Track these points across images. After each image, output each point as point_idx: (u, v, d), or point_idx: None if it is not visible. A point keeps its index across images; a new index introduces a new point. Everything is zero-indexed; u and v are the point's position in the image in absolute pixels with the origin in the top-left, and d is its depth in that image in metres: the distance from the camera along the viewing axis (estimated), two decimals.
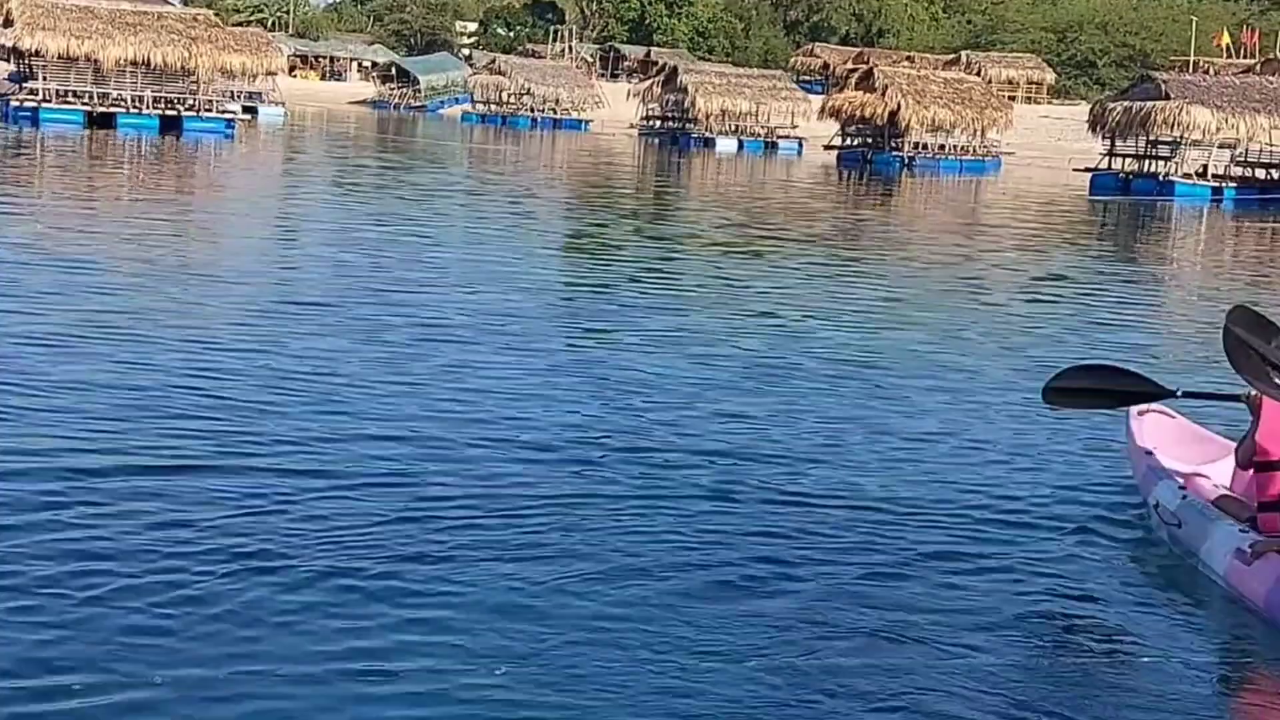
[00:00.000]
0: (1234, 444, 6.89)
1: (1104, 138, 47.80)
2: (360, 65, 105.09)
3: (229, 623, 4.91)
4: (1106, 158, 47.68)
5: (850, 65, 75.03)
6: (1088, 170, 47.40)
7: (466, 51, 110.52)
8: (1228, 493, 6.82)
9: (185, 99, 42.39)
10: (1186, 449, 7.43)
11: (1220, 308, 13.15)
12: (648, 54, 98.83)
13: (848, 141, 56.89)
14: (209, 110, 42.66)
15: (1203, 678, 5.29)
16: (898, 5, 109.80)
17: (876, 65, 61.29)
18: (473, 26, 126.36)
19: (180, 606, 4.99)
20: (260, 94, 56.85)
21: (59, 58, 41.33)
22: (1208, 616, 6.00)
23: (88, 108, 41.34)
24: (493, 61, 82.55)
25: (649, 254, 18.40)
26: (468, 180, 32.62)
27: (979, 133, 56.04)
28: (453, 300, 12.94)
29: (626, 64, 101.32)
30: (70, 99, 41.52)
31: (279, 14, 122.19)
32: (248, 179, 29.69)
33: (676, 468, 7.37)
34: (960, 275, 18.25)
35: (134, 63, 41.49)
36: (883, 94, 54.06)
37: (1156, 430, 7.63)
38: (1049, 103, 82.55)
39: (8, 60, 47.80)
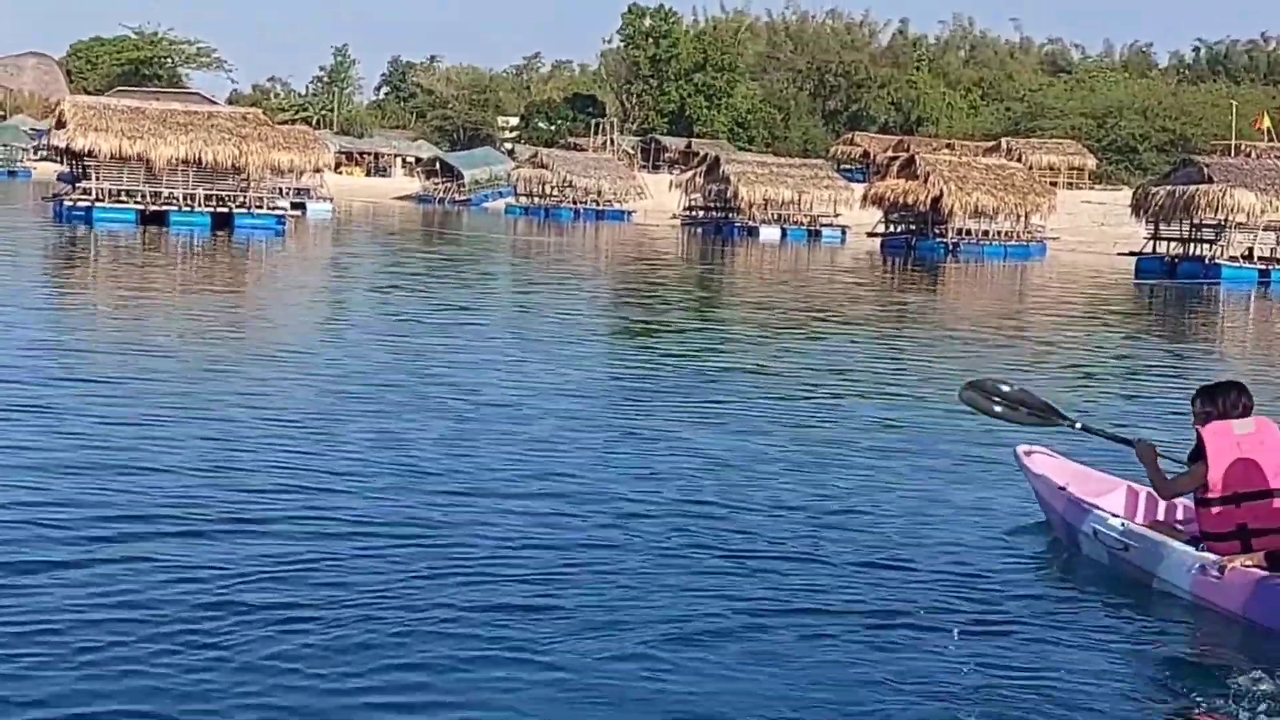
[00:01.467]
0: (1109, 477, 8.54)
1: (1147, 222, 47.76)
2: (404, 161, 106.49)
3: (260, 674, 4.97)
4: (1151, 242, 47.60)
5: (891, 153, 75.46)
6: (1132, 254, 47.32)
7: (509, 146, 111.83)
8: (1157, 521, 7.82)
9: (236, 196, 43.00)
10: (1082, 484, 8.37)
11: (1269, 386, 12.90)
12: (688, 145, 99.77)
13: (891, 229, 57.06)
14: (259, 207, 43.23)
15: (1163, 681, 6.08)
16: (935, 94, 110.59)
17: (918, 153, 61.57)
18: (514, 121, 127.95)
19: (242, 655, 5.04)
20: (308, 190, 57.65)
21: (111, 157, 42.01)
22: (1167, 624, 6.82)
23: (140, 206, 41.94)
24: (535, 155, 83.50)
25: (698, 340, 18.48)
26: (514, 271, 32.90)
27: (1022, 218, 56.12)
28: (504, 383, 13.08)
29: (667, 155, 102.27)
30: (123, 198, 42.15)
31: (323, 112, 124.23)
32: (305, 273, 30.06)
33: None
34: (1008, 356, 18.22)
35: (185, 161, 42.12)
36: (925, 181, 54.28)
37: (1053, 466, 8.60)
38: (1090, 188, 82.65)
39: (59, 161, 48.76)
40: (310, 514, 7.79)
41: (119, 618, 5.78)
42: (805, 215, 64.23)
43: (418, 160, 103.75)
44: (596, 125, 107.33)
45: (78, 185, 43.14)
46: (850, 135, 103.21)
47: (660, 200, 74.83)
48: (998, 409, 8.68)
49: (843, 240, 61.07)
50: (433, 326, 18.54)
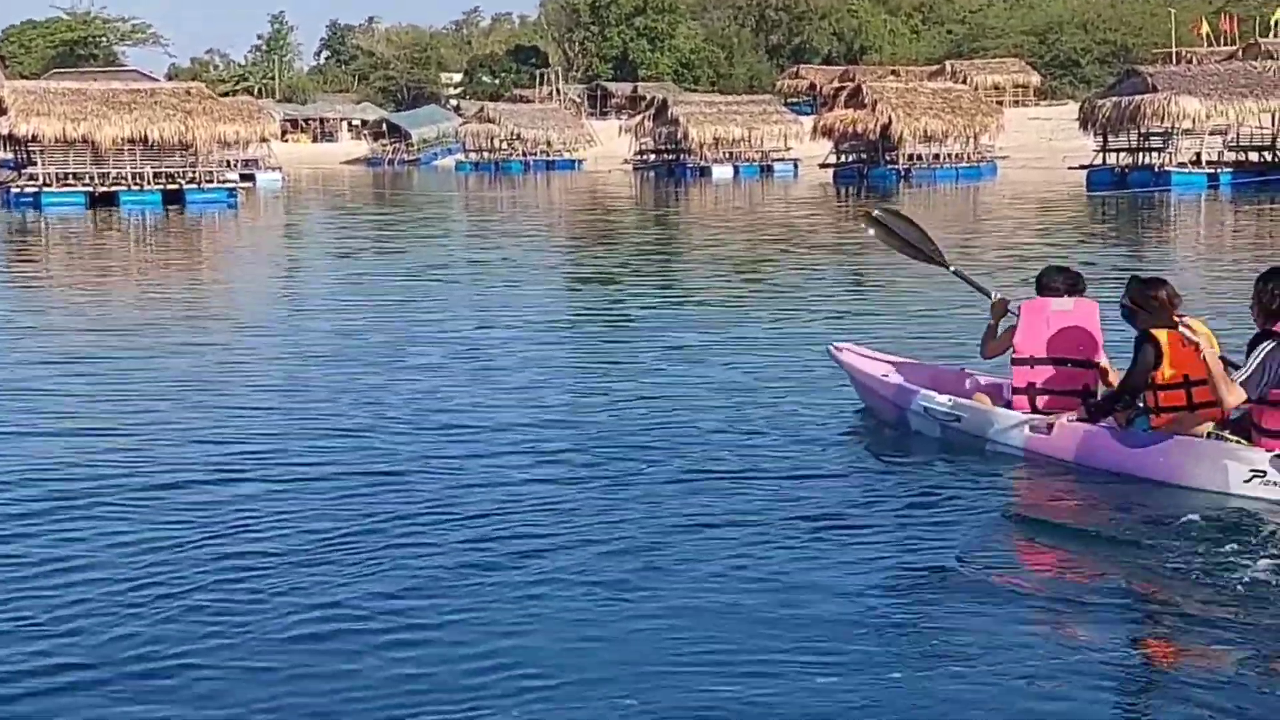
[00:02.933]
0: (921, 363, 9.67)
1: (1096, 134, 48.09)
2: (350, 124, 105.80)
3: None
4: (1100, 154, 47.96)
5: (837, 84, 75.52)
6: (1083, 168, 47.66)
7: (454, 103, 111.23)
8: (979, 392, 8.84)
9: (185, 172, 42.73)
10: (901, 370, 9.40)
11: (1233, 284, 13.26)
12: (634, 89, 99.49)
13: (842, 159, 57.27)
14: (209, 181, 43.00)
15: (1004, 527, 7.01)
16: (877, 21, 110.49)
17: (863, 82, 61.79)
18: (458, 77, 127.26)
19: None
20: (256, 161, 57.35)
21: (55, 141, 41.68)
22: (1003, 478, 7.83)
23: (89, 188, 41.63)
24: (481, 110, 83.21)
25: (654, 278, 18.62)
26: (470, 227, 32.89)
27: (971, 139, 56.45)
28: (466, 333, 13.22)
29: (614, 101, 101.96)
30: (71, 181, 41.83)
31: (264, 81, 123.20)
32: (263, 243, 30.00)
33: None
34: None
35: (131, 140, 41.82)
36: (873, 109, 54.48)
37: (869, 358, 9.66)
38: (1036, 104, 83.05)
39: (2, 149, 48.24)
40: (286, 465, 8.02)
41: (91, 578, 5.94)
42: (756, 152, 64.35)
43: (364, 123, 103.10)
44: (541, 76, 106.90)
45: (23, 171, 42.77)
46: (795, 69, 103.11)
47: (610, 147, 74.76)
48: (895, 240, 9.77)
49: (795, 174, 61.24)
50: (395, 284, 18.62)
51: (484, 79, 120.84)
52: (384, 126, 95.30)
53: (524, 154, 76.29)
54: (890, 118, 53.94)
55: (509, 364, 11.76)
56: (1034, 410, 8.22)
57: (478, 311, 15.55)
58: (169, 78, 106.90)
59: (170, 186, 42.07)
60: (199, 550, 6.41)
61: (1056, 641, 5.38)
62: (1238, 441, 7.35)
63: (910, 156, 54.62)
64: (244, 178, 50.51)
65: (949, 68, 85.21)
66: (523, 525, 6.74)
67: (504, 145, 77.44)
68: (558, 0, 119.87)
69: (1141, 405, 7.82)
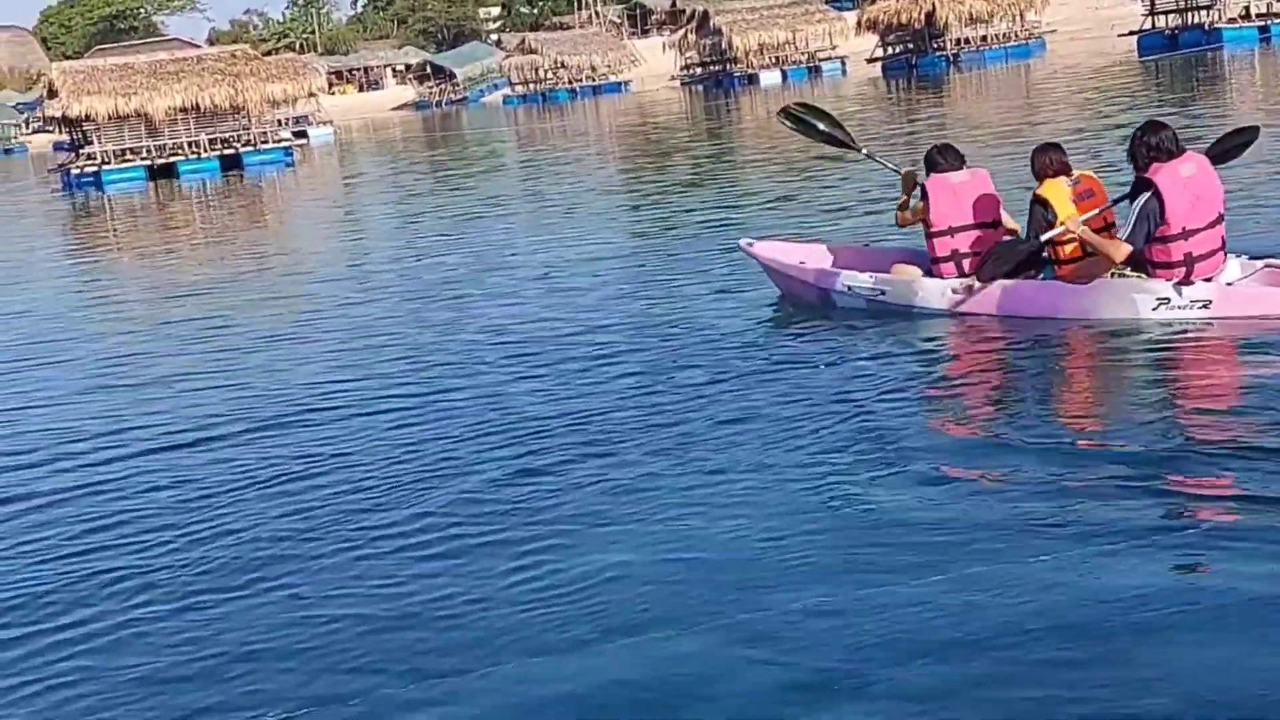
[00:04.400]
0: (831, 246, 10.59)
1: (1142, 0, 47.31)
2: (394, 70, 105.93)
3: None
4: (1149, 18, 47.15)
5: None
6: (1132, 34, 46.91)
7: (495, 37, 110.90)
8: (898, 265, 9.65)
9: (240, 135, 43.14)
10: (815, 255, 10.33)
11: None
12: (673, 4, 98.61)
13: (889, 51, 56.68)
14: (265, 142, 43.39)
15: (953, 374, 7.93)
16: None
17: None
18: (496, 11, 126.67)
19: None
20: (306, 117, 57.66)
21: (109, 118, 42.16)
22: (934, 340, 8.66)
23: (147, 162, 42.17)
24: (522, 42, 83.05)
25: (711, 193, 18.76)
26: (522, 159, 33.07)
27: (1018, 17, 55.61)
28: (529, 263, 13.43)
29: (655, 18, 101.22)
30: (129, 157, 42.37)
31: (305, 35, 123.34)
32: (325, 196, 30.37)
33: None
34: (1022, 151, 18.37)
35: (184, 110, 42.27)
36: None
37: (782, 247, 10.57)
38: None
39: (55, 130, 48.89)
40: (367, 402, 8.31)
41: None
42: (803, 54, 63.81)
43: (407, 67, 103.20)
44: (578, 1, 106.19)
45: (81, 152, 43.31)
46: None
47: (655, 65, 74.40)
48: (805, 130, 10.58)
49: (844, 71, 60.75)
50: (454, 221, 18.93)
51: (522, 10, 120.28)
52: (428, 69, 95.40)
53: (569, 81, 76.13)
54: (934, 4, 53.29)
55: (579, 284, 12.06)
56: (960, 274, 9.11)
57: (535, 241, 15.79)
58: (210, 43, 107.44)
59: (227, 151, 42.48)
60: (317, 475, 6.86)
61: (1009, 492, 5.67)
62: (1138, 276, 8.31)
63: (957, 41, 53.96)
64: (297, 135, 50.77)
65: None
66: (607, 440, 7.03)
67: (549, 75, 77.31)
68: None
69: (1045, 259, 8.77)
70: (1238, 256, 8.50)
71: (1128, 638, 4.28)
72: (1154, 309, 8.22)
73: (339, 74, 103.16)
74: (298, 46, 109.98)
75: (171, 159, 42.22)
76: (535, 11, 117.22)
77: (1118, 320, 8.28)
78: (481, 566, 5.43)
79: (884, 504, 5.65)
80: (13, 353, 12.17)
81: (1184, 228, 8.07)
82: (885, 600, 4.71)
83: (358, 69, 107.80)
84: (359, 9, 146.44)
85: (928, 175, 9.32)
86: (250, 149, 42.71)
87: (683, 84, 68.39)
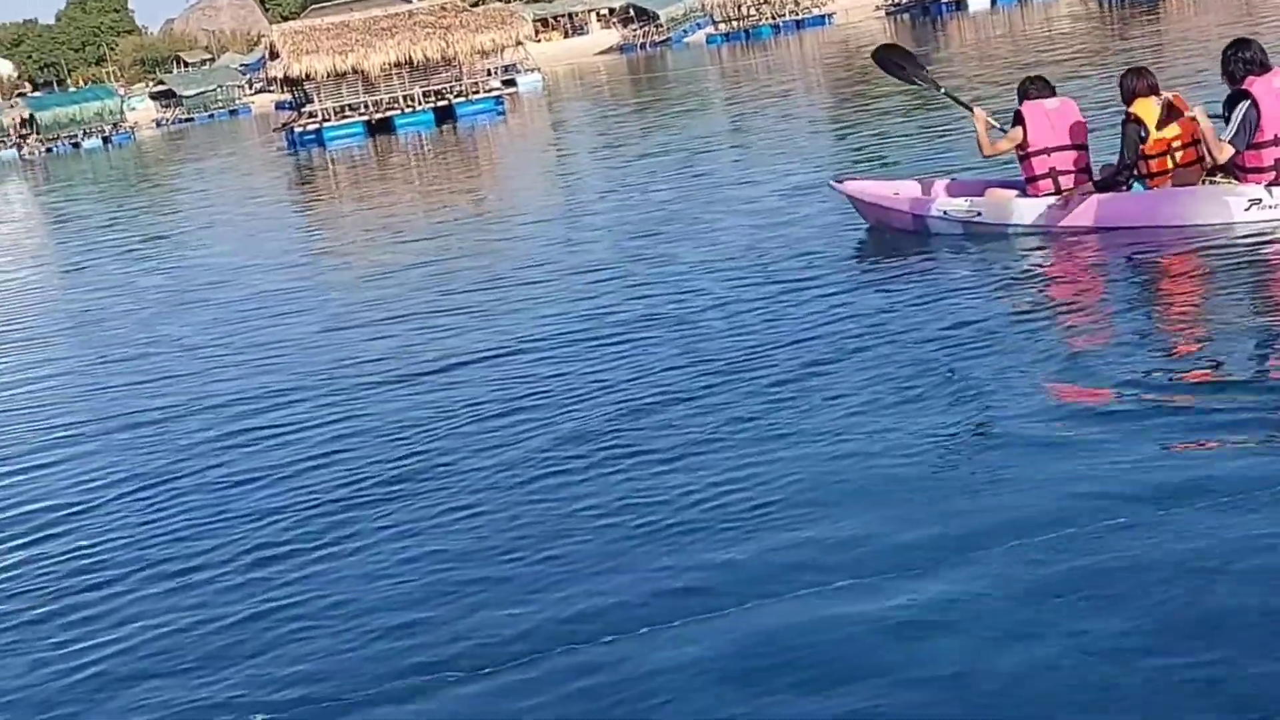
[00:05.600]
0: (916, 180, 11.08)
1: None
2: (598, 15, 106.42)
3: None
4: None
5: None
6: None
7: None
8: (989, 189, 10.32)
9: (452, 87, 43.99)
10: (904, 188, 10.88)
11: None
12: None
13: None
14: (476, 92, 44.19)
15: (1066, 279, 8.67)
16: None
17: None
18: None
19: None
20: (514, 66, 58.49)
21: (328, 76, 43.44)
22: (1034, 258, 9.23)
23: (365, 118, 43.35)
24: None
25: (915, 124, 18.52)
26: (727, 100, 33.01)
27: None
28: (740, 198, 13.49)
29: None
30: (347, 113, 43.61)
31: None
32: (539, 144, 30.89)
33: None
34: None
35: (398, 64, 43.31)
36: None
37: (871, 184, 11.23)
38: None
39: (278, 90, 50.59)
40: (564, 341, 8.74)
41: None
42: None
43: (611, 11, 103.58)
44: None
45: (303, 110, 44.76)
46: None
47: None
48: (901, 71, 11.38)
49: None
50: (663, 163, 19.08)
51: None
52: (631, 11, 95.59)
53: (773, 17, 75.49)
54: None
55: (794, 214, 12.16)
56: (1056, 192, 9.75)
57: (726, 180, 15.84)
58: None
59: (440, 104, 43.38)
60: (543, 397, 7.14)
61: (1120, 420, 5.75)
62: (1229, 182, 8.96)
63: None
64: (506, 84, 51.57)
65: None
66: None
67: (751, 11, 76.75)
68: None
69: (1131, 174, 9.39)
70: None
71: (1234, 600, 4.04)
72: (1246, 209, 8.75)
73: (544, 21, 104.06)
74: None
75: (388, 113, 43.32)
76: None
77: (1212, 224, 8.79)
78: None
79: (995, 447, 5.65)
80: (245, 300, 13.00)
81: (1276, 135, 8.67)
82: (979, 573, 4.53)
83: (562, 15, 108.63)
84: None
85: (1020, 103, 9.99)
86: (463, 100, 43.57)
87: (887, 13, 67.28)
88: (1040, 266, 9.02)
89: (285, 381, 9.18)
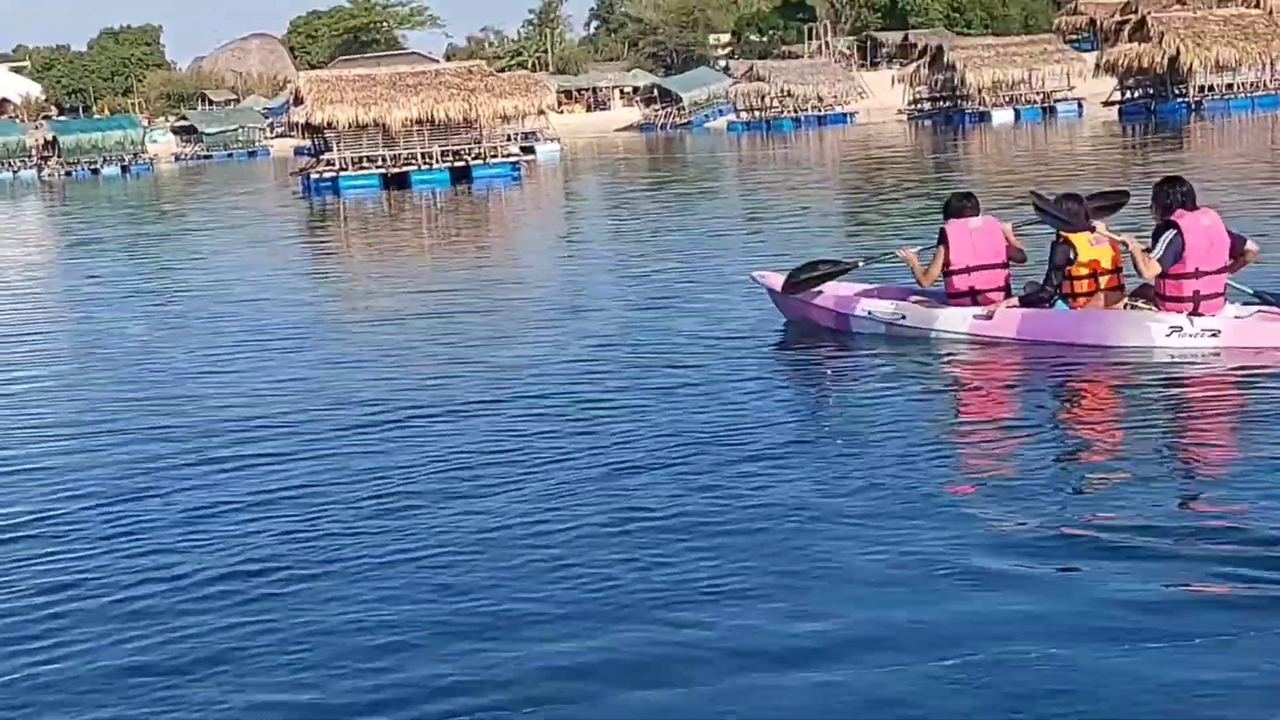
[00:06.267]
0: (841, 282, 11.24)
1: None
2: (622, 92, 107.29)
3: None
4: None
5: (1119, 18, 72.58)
6: None
7: (723, 63, 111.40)
8: (912, 296, 10.66)
9: (471, 149, 44.16)
10: (830, 287, 11.11)
11: None
12: (905, 38, 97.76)
13: (1127, 95, 55.15)
14: (494, 156, 44.33)
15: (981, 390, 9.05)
16: None
17: (1148, 13, 59.19)
18: (726, 38, 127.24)
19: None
20: (534, 133, 58.80)
21: (350, 126, 43.54)
22: (955, 361, 9.64)
23: (382, 170, 43.47)
24: (750, 69, 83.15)
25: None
26: (742, 185, 33.05)
27: (1268, 66, 53.53)
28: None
29: (884, 50, 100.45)
30: (365, 164, 43.72)
31: (538, 54, 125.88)
32: (547, 213, 30.91)
33: None
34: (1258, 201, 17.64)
35: (419, 121, 43.45)
36: (1159, 41, 52.31)
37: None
38: None
39: (298, 136, 50.80)
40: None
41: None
42: (1038, 93, 62.57)
43: (635, 90, 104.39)
44: (809, 30, 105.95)
45: (322, 157, 44.87)
46: (1073, 5, 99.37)
47: (882, 98, 73.79)
48: (807, 284, 11.07)
49: (1080, 113, 59.27)
50: (670, 242, 19.01)
51: (752, 38, 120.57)
52: (655, 91, 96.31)
53: (795, 110, 75.98)
54: (1178, 49, 51.67)
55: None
56: (975, 304, 10.11)
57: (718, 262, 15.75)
58: (447, 57, 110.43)
59: (457, 164, 43.52)
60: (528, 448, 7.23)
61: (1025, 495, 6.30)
62: (1150, 309, 9.40)
63: (1201, 88, 52.19)
64: (524, 150, 51.81)
65: None
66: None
67: (774, 103, 77.25)
68: None
69: (1057, 294, 9.77)
70: (1232, 302, 9.43)
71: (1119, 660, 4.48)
72: (1168, 335, 9.12)
73: (568, 93, 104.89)
74: (530, 64, 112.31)
75: (405, 168, 43.41)
76: (765, 40, 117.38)
77: (1133, 347, 9.16)
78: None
79: (909, 540, 5.80)
80: (238, 333, 13.08)
81: (1197, 268, 9.10)
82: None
83: (586, 89, 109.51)
84: (591, 30, 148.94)
85: (946, 220, 10.27)
86: (479, 162, 43.68)
87: (909, 118, 67.67)
88: (961, 374, 9.33)
89: (262, 415, 9.21)
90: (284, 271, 20.42)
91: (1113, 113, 54.12)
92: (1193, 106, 50.97)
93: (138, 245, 27.67)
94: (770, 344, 10.91)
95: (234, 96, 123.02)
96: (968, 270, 10.15)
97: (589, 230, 25.09)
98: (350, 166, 43.53)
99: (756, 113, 77.52)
